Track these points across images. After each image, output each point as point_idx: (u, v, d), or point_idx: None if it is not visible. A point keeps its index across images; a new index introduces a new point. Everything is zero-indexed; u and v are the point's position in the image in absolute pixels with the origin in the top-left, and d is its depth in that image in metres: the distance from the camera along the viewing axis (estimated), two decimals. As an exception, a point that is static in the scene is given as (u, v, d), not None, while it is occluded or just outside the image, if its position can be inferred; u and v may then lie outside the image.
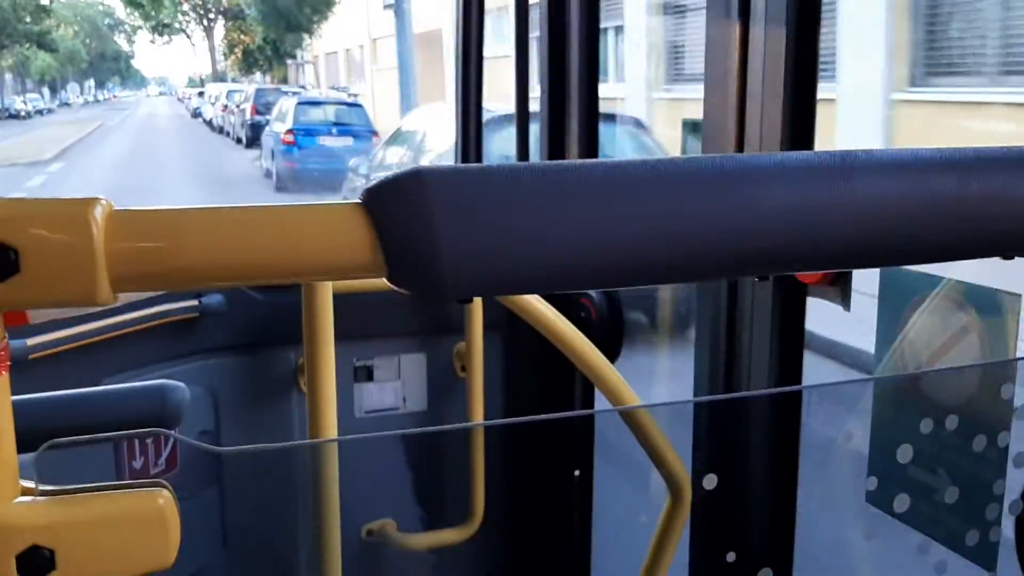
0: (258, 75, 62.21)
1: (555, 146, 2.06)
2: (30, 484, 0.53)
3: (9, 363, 0.51)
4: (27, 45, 59.36)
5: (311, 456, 1.67)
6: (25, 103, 55.38)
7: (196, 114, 45.01)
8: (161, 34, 61.06)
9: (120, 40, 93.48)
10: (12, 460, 0.52)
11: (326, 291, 1.44)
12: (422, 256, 0.49)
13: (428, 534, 2.19)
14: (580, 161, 0.54)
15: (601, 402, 1.78)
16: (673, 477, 1.54)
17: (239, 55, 61.31)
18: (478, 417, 2.11)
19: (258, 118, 24.70)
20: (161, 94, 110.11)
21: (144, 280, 0.49)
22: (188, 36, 61.28)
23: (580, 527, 2.20)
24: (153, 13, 54.63)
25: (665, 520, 1.55)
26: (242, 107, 26.55)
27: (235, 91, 33.64)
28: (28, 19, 56.84)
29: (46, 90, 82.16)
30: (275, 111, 18.10)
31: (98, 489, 0.53)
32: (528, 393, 2.23)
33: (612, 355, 1.85)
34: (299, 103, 16.46)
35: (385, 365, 2.17)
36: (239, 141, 27.04)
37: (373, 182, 0.50)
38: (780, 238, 0.55)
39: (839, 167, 0.56)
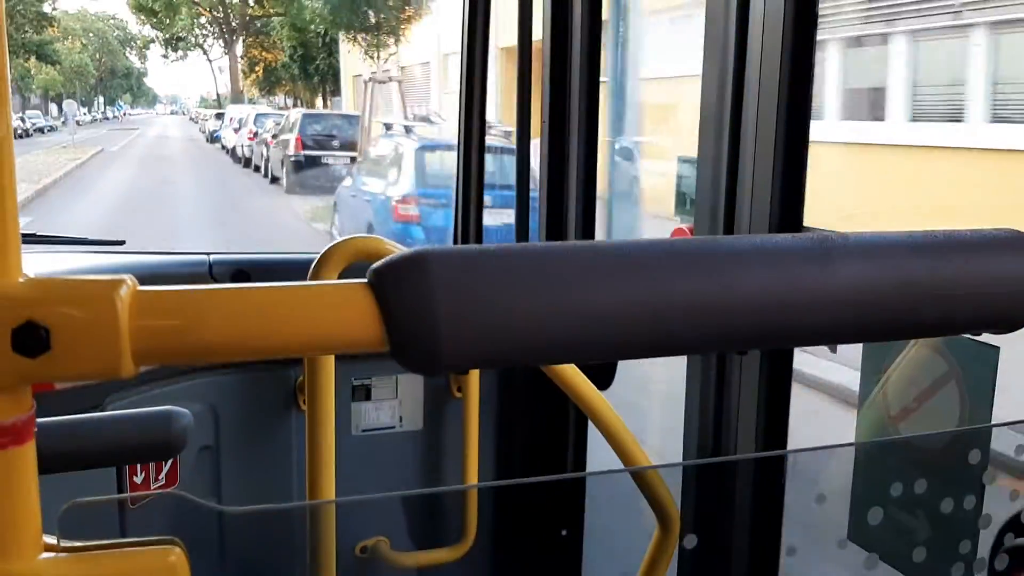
0: (280, 97, 55.99)
1: (553, 226, 2.14)
2: (52, 540, 0.56)
3: (35, 429, 0.53)
4: (25, 57, 52.72)
5: (309, 473, 1.64)
6: (23, 120, 48.80)
7: (213, 138, 38.35)
8: (175, 49, 54.45)
9: (132, 57, 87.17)
10: (37, 519, 0.55)
11: None
12: (422, 334, 0.52)
13: (421, 553, 2.21)
14: (573, 243, 0.58)
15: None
16: (661, 507, 1.57)
17: (260, 73, 54.89)
18: (472, 437, 2.14)
19: (305, 153, 17.93)
20: (173, 113, 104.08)
21: (165, 355, 0.52)
22: (205, 52, 54.61)
23: (571, 546, 2.19)
24: (167, 22, 47.76)
25: (654, 550, 1.58)
26: (282, 138, 19.76)
27: (266, 115, 26.86)
28: (27, 28, 50.24)
29: (53, 107, 76.15)
30: (367, 156, 10.90)
31: (115, 546, 0.56)
32: (521, 414, 2.28)
33: (604, 382, 1.89)
34: (421, 147, 9.05)
35: (383, 384, 2.19)
36: (275, 181, 20.26)
37: (380, 263, 0.53)
38: (761, 317, 0.57)
39: (817, 250, 0.59)
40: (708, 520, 1.63)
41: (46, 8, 52.09)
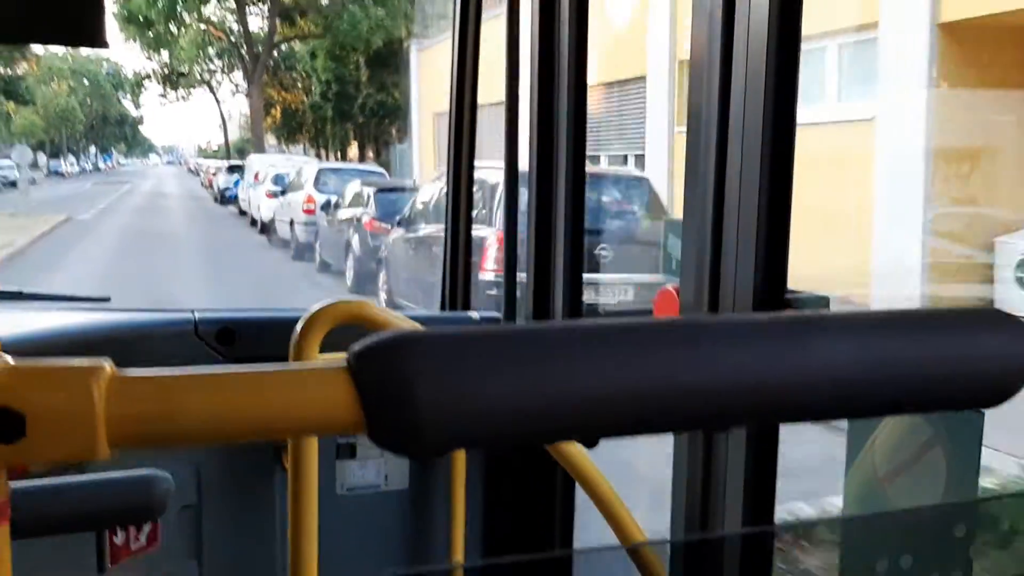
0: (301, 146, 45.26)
1: (540, 303, 2.07)
2: None
3: (11, 513, 0.53)
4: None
5: (291, 534, 1.64)
6: (-11, 173, 37.94)
7: (225, 199, 27.45)
8: (175, 87, 43.47)
9: (127, 103, 76.67)
10: None
11: None
12: (400, 419, 0.51)
13: None
14: (553, 323, 0.59)
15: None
16: (648, 570, 1.56)
17: (277, 117, 44.22)
18: (460, 496, 2.07)
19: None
20: (169, 163, 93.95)
21: (141, 439, 0.51)
22: (212, 90, 43.58)
23: None
24: (166, 40, 36.38)
25: None
26: (423, 233, 8.45)
27: (341, 171, 15.89)
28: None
29: (40, 156, 66.06)
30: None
31: None
32: (509, 472, 2.19)
33: (591, 441, 1.72)
34: None
35: (368, 442, 1.52)
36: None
37: (358, 346, 0.52)
38: (742, 396, 0.57)
39: (796, 328, 0.60)
40: None
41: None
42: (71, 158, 71.87)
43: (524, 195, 2.09)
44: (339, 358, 0.52)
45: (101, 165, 74.44)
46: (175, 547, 1.86)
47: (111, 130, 79.99)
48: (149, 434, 0.51)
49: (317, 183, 14.48)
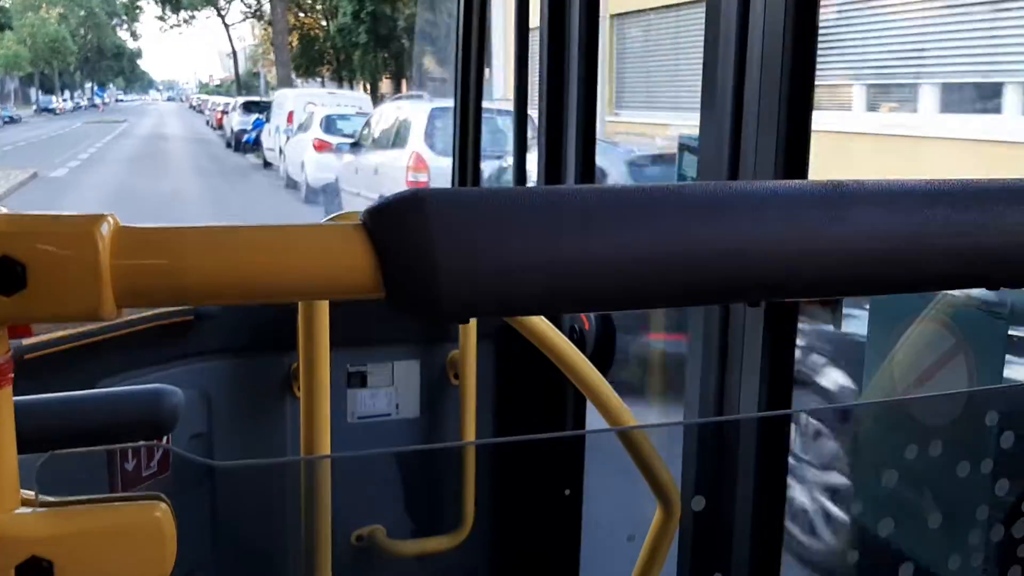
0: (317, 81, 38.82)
1: (552, 171, 2.03)
2: (30, 494, 0.52)
3: (12, 376, 0.51)
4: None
5: (303, 463, 1.62)
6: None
7: (242, 145, 21.35)
8: (176, 7, 36.78)
9: (123, 34, 69.81)
10: (14, 470, 0.51)
11: None
12: (420, 278, 0.48)
13: (417, 541, 2.11)
14: (577, 186, 0.55)
15: (592, 411, 1.72)
16: (663, 491, 1.50)
17: (294, 44, 37.70)
18: (470, 425, 2.03)
19: None
20: (169, 99, 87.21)
21: (148, 296, 0.48)
22: (219, 12, 36.85)
23: (569, 536, 2.12)
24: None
25: (655, 534, 1.52)
26: None
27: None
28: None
29: (34, 91, 59.69)
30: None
31: (97, 501, 0.52)
32: (520, 402, 2.17)
33: (604, 366, 1.81)
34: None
35: (379, 371, 2.09)
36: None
37: (374, 203, 0.50)
38: (772, 266, 0.54)
39: (830, 196, 0.56)
40: (710, 489, 1.56)
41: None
42: (65, 93, 65.39)
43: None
44: (354, 216, 0.48)
45: (96, 101, 67.70)
46: (185, 475, 1.70)
47: (107, 63, 73.55)
48: (157, 289, 0.47)
49: (428, 135, 8.30)
